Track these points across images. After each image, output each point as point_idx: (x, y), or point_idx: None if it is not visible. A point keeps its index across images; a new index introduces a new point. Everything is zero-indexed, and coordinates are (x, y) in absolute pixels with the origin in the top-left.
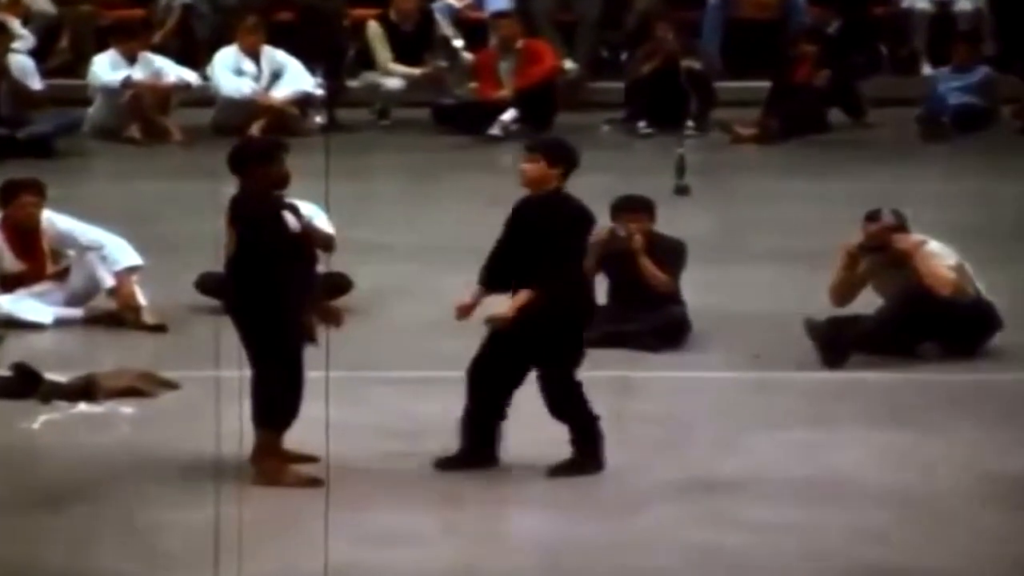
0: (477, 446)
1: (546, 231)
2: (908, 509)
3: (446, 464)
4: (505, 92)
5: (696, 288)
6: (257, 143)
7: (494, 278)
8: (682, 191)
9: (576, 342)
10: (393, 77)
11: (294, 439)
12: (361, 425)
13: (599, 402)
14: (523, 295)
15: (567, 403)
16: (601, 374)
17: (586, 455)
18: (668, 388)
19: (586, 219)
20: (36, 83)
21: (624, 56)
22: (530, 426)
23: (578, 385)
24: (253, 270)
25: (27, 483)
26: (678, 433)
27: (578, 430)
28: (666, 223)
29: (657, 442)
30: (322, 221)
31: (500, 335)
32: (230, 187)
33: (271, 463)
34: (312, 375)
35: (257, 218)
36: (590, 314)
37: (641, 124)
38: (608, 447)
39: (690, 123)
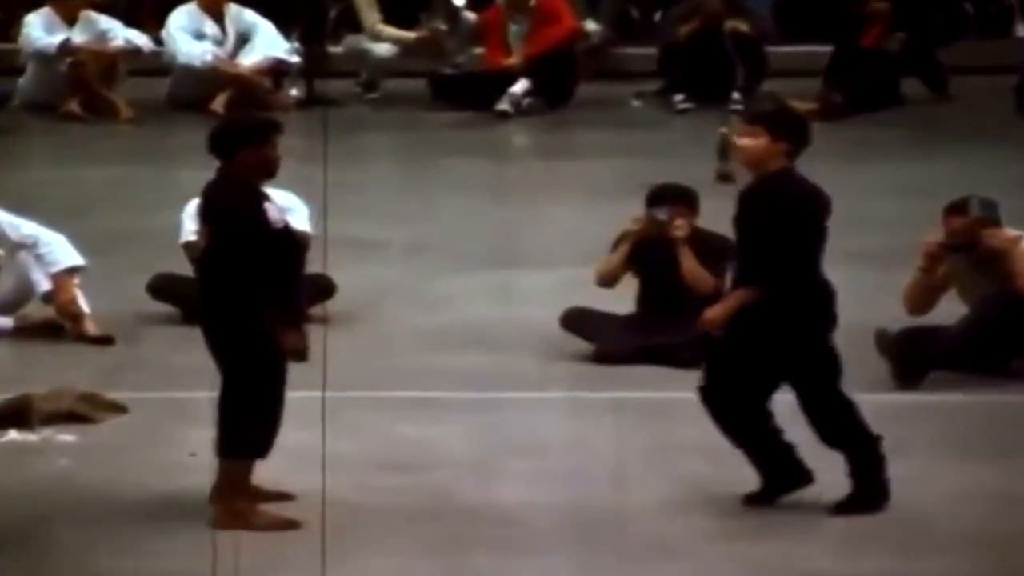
0: (776, 471)
1: (770, 220)
2: (997, 556)
3: (754, 500)
4: (515, 59)
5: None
6: (250, 122)
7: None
8: (726, 178)
9: (827, 350)
10: (382, 42)
11: (265, 473)
12: (346, 455)
13: (625, 428)
14: (739, 295)
15: (839, 424)
16: (629, 395)
17: (869, 486)
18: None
19: (820, 204)
20: None
21: (657, 16)
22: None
23: (849, 402)
24: (230, 272)
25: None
26: (723, 466)
27: (856, 456)
28: (706, 215)
29: (697, 477)
30: (298, 215)
31: (722, 349)
32: (189, 171)
33: (238, 502)
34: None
35: (239, 210)
36: (834, 317)
37: (678, 98)
38: (637, 483)
39: (736, 96)
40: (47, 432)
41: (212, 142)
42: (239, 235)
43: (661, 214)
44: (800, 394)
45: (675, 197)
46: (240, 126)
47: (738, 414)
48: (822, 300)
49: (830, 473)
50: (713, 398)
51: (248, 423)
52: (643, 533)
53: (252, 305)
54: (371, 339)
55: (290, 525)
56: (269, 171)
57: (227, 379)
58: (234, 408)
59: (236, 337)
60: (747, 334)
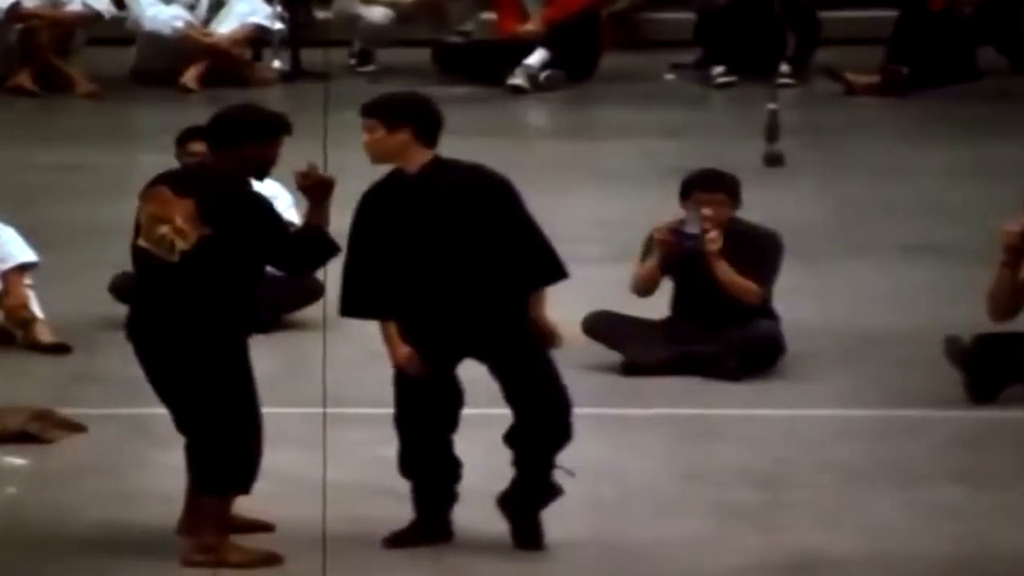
0: None
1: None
2: None
3: None
4: (532, 26)
5: (793, 295)
6: (262, 118)
7: None
8: (774, 161)
9: None
10: (376, 5)
11: (249, 501)
12: (341, 481)
13: (659, 450)
14: None
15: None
16: (664, 412)
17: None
18: (755, 431)
19: None
20: None
21: None
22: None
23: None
24: (228, 275)
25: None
26: (771, 492)
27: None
28: (752, 204)
29: (743, 505)
30: (282, 204)
31: None
32: (155, 155)
33: (210, 535)
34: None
35: (267, 209)
36: None
37: (718, 70)
38: (675, 512)
39: (785, 68)
40: None
41: (214, 130)
42: (267, 237)
43: (691, 226)
44: None
45: (712, 184)
46: (252, 121)
47: None
48: None
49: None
50: None
51: (236, 455)
52: (678, 571)
53: (253, 317)
54: (368, 348)
55: (270, 560)
56: (265, 172)
57: (207, 405)
58: (219, 439)
59: (222, 355)
60: None
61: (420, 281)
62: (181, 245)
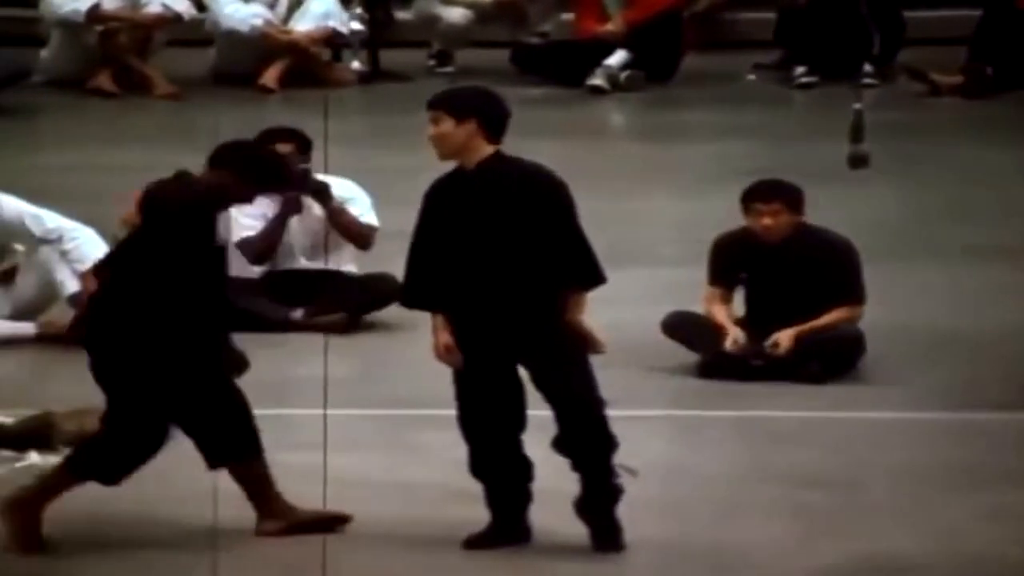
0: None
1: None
2: None
3: None
4: (613, 27)
5: (873, 295)
6: (273, 162)
7: None
8: (858, 162)
9: None
10: (455, 6)
11: (308, 495)
12: (416, 482)
13: (736, 453)
14: None
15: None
16: (737, 415)
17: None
18: (832, 434)
19: None
20: None
21: None
22: None
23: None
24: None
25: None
26: (846, 495)
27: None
28: (833, 206)
29: (818, 508)
30: (361, 206)
31: None
32: None
33: (274, 502)
34: (343, 413)
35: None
36: None
37: (799, 70)
38: (748, 517)
39: (869, 68)
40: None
41: (216, 151)
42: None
43: (755, 360)
44: None
45: (771, 194)
46: (262, 164)
47: None
48: None
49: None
50: None
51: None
52: (756, 573)
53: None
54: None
55: (339, 520)
56: (243, 200)
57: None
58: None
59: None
60: None
61: (471, 275)
62: (119, 233)
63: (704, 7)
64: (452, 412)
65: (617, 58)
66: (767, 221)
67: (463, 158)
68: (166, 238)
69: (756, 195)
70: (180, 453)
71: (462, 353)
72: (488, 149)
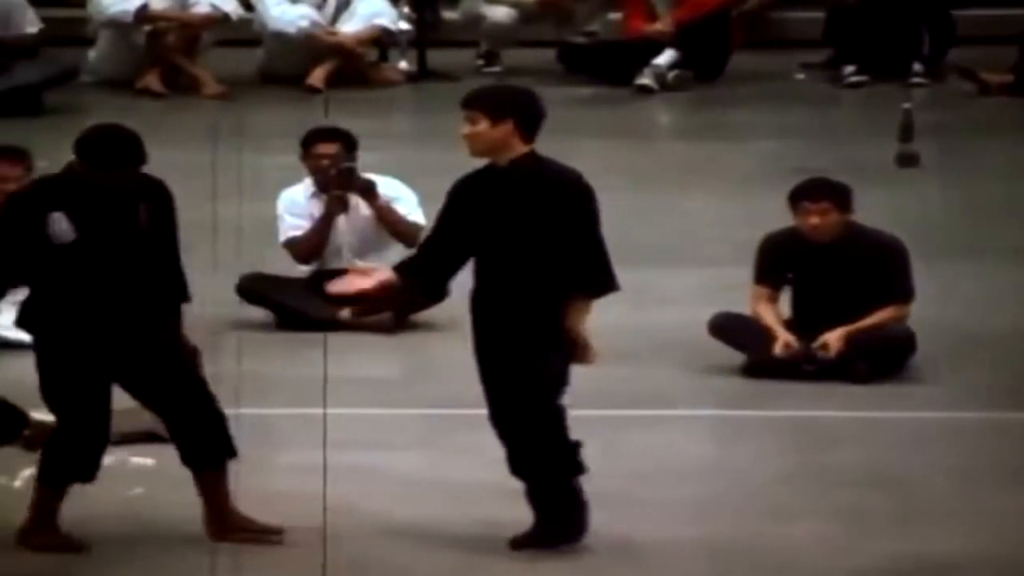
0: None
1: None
2: None
3: None
4: (661, 26)
5: (921, 295)
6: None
7: None
8: (907, 161)
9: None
10: (500, 5)
11: (353, 493)
12: (462, 482)
13: (782, 453)
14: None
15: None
16: (784, 415)
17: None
18: (879, 434)
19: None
20: (31, 24)
21: None
22: None
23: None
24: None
25: (5, 563)
26: (891, 496)
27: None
28: (881, 205)
29: (863, 510)
30: (407, 205)
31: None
32: (283, 156)
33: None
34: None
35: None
36: None
37: (849, 69)
38: (795, 517)
39: (918, 67)
40: (122, 454)
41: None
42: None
43: (807, 365)
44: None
45: (818, 193)
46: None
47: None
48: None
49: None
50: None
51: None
52: (797, 570)
53: None
54: None
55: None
56: None
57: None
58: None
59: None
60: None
61: (488, 271)
62: None
63: (753, 6)
64: None
65: (665, 57)
66: (815, 220)
67: (496, 157)
68: None
69: (804, 194)
70: (29, 463)
71: (476, 351)
72: (522, 148)
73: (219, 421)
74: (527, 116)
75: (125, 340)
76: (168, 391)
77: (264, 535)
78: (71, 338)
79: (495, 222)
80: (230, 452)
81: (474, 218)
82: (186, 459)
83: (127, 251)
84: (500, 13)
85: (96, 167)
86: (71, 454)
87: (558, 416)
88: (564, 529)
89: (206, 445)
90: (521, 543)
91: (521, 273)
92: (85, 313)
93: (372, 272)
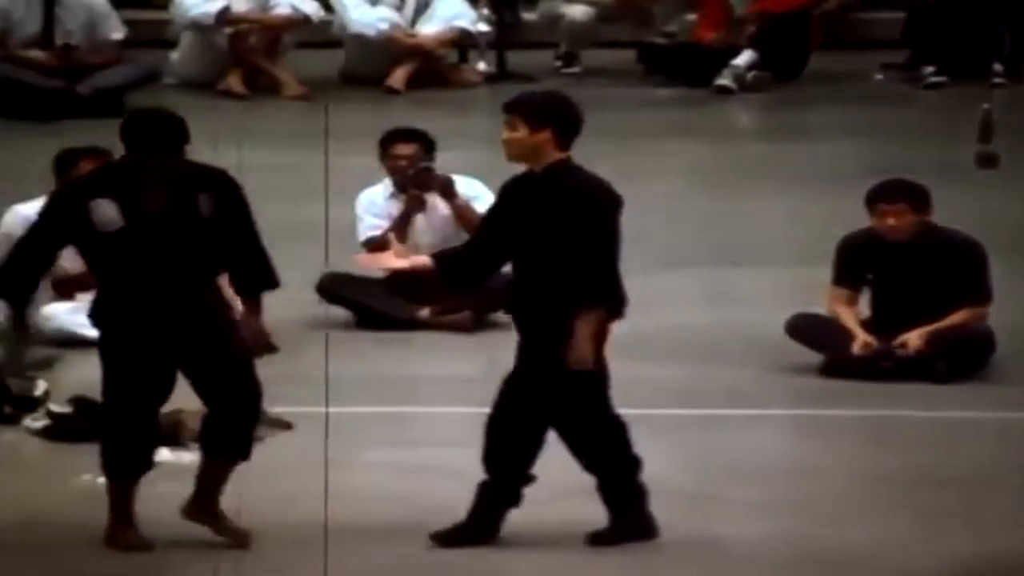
0: None
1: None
2: None
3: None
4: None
5: (999, 295)
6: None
7: None
8: (988, 161)
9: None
10: (578, 4)
11: (434, 490)
12: (537, 480)
13: (860, 452)
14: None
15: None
16: (861, 414)
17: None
18: (956, 434)
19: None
20: (116, 30)
21: None
22: None
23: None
24: None
25: (87, 559)
26: (969, 495)
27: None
28: (964, 205)
29: (941, 509)
30: (486, 204)
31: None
32: (362, 156)
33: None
34: (467, 411)
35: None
36: None
37: (928, 69)
38: (873, 515)
39: (998, 67)
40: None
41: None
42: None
43: (884, 362)
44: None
45: (895, 195)
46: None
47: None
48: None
49: None
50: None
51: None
52: (875, 569)
53: None
54: None
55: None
56: None
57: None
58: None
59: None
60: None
61: (517, 272)
62: None
63: (832, 6)
64: None
65: (744, 58)
66: (892, 221)
67: (531, 162)
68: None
69: (881, 195)
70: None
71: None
72: (557, 155)
73: (250, 418)
74: (565, 125)
75: (181, 327)
76: (214, 375)
77: (232, 534)
78: (127, 328)
79: (524, 226)
80: (244, 453)
81: (509, 221)
82: (205, 441)
83: (182, 239)
84: (578, 12)
85: (138, 151)
86: (128, 447)
87: (599, 415)
88: (638, 527)
89: (230, 436)
90: (598, 540)
91: (542, 278)
92: (141, 302)
93: (410, 255)
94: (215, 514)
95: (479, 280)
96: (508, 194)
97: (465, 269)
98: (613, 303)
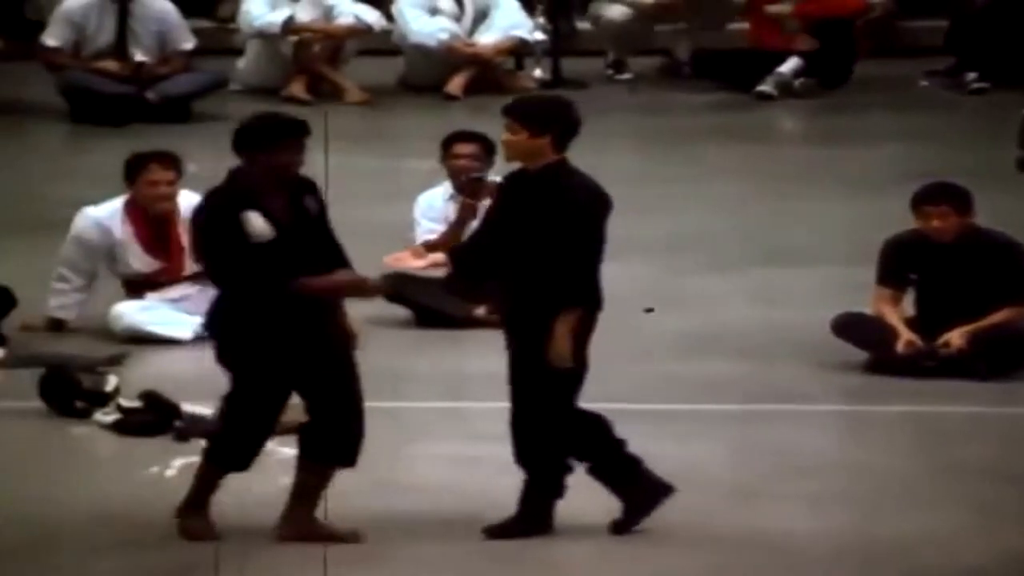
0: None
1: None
2: None
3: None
4: (779, 9)
5: None
6: (261, 125)
7: None
8: None
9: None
10: (616, 4)
11: (491, 483)
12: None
13: (908, 447)
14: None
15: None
16: (907, 410)
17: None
18: (1002, 429)
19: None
20: (186, 41)
21: None
22: None
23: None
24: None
25: (157, 549)
26: (1011, 491)
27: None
28: (1006, 207)
29: (992, 502)
30: None
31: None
32: (421, 160)
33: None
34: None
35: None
36: None
37: (971, 76)
38: (927, 506)
39: None
40: (270, 446)
41: (234, 139)
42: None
43: (928, 361)
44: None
45: (939, 197)
46: (252, 130)
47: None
48: None
49: None
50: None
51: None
52: (927, 567)
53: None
54: (619, 345)
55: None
56: (284, 176)
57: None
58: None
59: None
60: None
61: (512, 268)
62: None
63: (878, 14)
64: (626, 406)
65: (789, 65)
66: (936, 223)
67: (529, 163)
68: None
69: (925, 198)
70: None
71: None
72: (553, 157)
73: (350, 424)
74: (564, 129)
75: (310, 332)
76: (328, 381)
77: (341, 536)
78: (269, 332)
79: (518, 223)
80: (348, 459)
81: (506, 216)
82: (303, 446)
83: (306, 242)
84: (615, 12)
85: (259, 153)
86: (240, 444)
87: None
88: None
89: (330, 441)
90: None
91: (528, 275)
92: (280, 308)
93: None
94: (312, 526)
95: (486, 270)
96: (506, 190)
97: (472, 260)
98: (591, 303)
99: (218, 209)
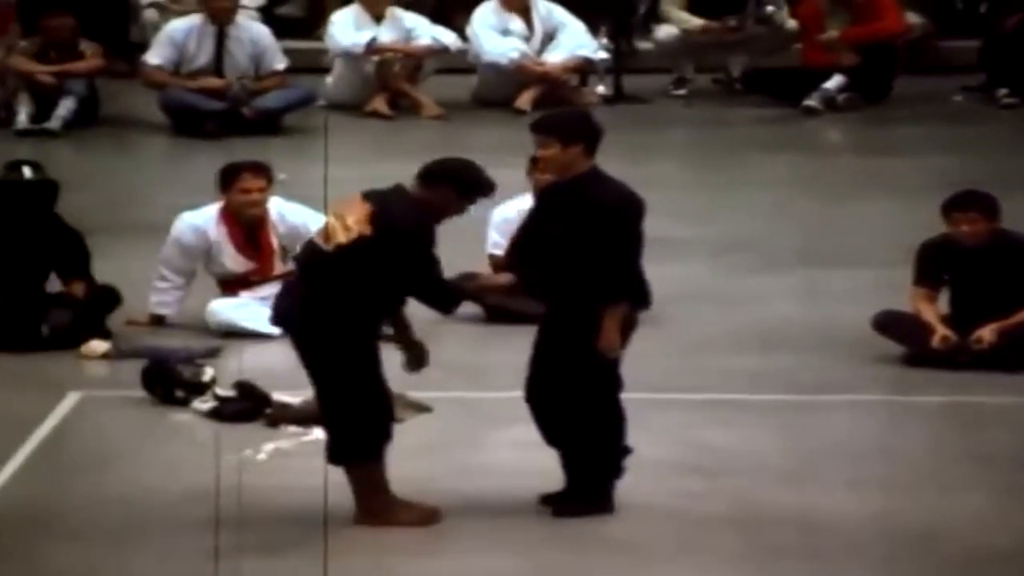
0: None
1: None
2: None
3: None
4: (828, 37)
5: None
6: (473, 176)
7: None
8: None
9: None
10: (668, 24)
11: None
12: (649, 459)
13: (944, 436)
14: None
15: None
16: (943, 400)
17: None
18: None
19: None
20: (279, 61)
21: (984, 7)
22: None
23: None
24: (369, 283)
25: (249, 528)
26: None
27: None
28: None
29: (1016, 487)
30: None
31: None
32: (491, 169)
33: (376, 500)
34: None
35: (421, 240)
36: None
37: (1003, 92)
38: (954, 493)
39: None
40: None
41: (431, 166)
42: (414, 270)
43: (961, 357)
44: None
45: (968, 205)
46: (464, 174)
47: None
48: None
49: None
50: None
51: (356, 426)
52: (961, 548)
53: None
54: (675, 339)
55: (432, 517)
56: (441, 218)
57: (330, 386)
58: (340, 413)
59: (342, 341)
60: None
61: (544, 273)
62: (340, 238)
63: (918, 35)
64: (680, 396)
65: (835, 81)
66: (965, 228)
67: (563, 174)
68: (400, 249)
69: (954, 204)
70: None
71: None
72: (585, 165)
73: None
74: (591, 136)
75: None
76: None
77: (415, 521)
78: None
79: (554, 231)
80: (340, 458)
81: (541, 227)
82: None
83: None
84: (663, 32)
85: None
86: (371, 427)
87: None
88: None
89: (344, 440)
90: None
91: (571, 276)
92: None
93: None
94: (387, 513)
95: (532, 267)
96: (540, 202)
97: (519, 256)
98: (637, 297)
99: (432, 230)
